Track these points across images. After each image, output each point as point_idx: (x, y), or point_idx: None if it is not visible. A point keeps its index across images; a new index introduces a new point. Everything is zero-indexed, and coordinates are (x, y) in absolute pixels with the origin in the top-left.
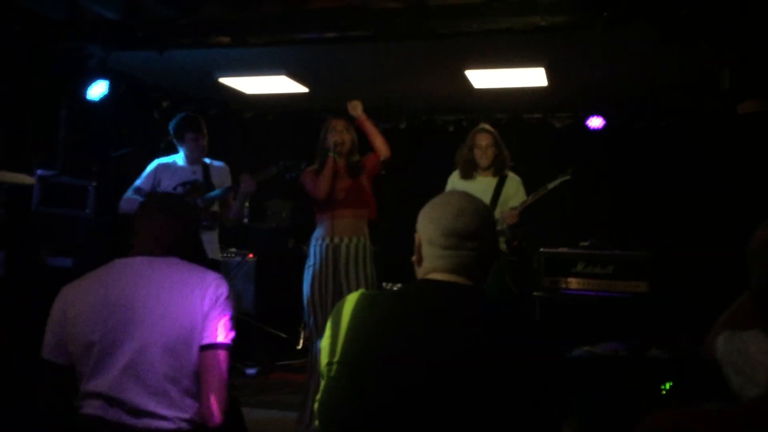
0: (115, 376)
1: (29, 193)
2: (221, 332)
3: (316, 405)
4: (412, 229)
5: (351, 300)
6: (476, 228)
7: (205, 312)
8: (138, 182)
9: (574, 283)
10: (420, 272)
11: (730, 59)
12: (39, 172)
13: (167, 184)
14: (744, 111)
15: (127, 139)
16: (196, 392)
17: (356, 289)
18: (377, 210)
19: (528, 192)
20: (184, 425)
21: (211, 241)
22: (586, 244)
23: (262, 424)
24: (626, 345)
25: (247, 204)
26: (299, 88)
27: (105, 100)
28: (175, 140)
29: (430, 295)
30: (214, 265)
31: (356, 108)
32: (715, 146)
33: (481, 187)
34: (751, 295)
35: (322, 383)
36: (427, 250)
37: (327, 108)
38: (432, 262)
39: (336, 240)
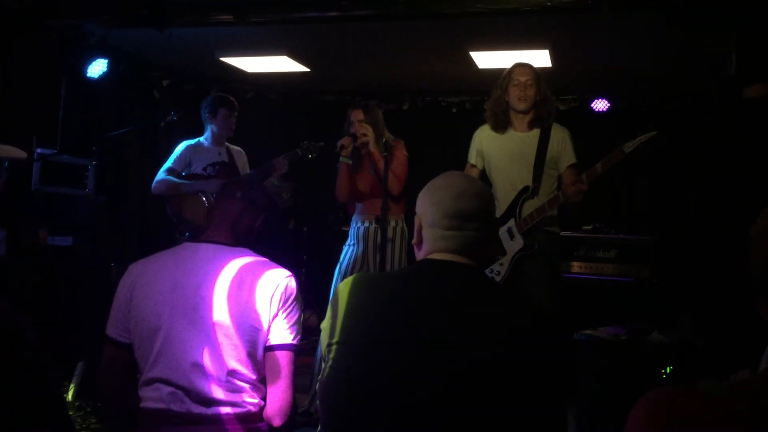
0: (181, 363)
1: (29, 171)
2: (287, 333)
3: (317, 386)
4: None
5: (350, 281)
6: (477, 210)
7: (272, 312)
8: (170, 163)
9: (576, 266)
10: (420, 255)
11: (736, 43)
12: (39, 150)
13: (196, 166)
14: (750, 95)
15: (127, 117)
16: (261, 385)
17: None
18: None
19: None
20: (252, 408)
21: None
22: (589, 227)
23: None
24: (627, 329)
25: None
26: (301, 68)
27: (105, 78)
28: (205, 117)
29: (432, 273)
30: None
31: (365, 137)
32: (721, 130)
33: (517, 145)
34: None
35: (324, 365)
36: (428, 233)
37: (328, 88)
38: (433, 243)
39: (374, 224)
